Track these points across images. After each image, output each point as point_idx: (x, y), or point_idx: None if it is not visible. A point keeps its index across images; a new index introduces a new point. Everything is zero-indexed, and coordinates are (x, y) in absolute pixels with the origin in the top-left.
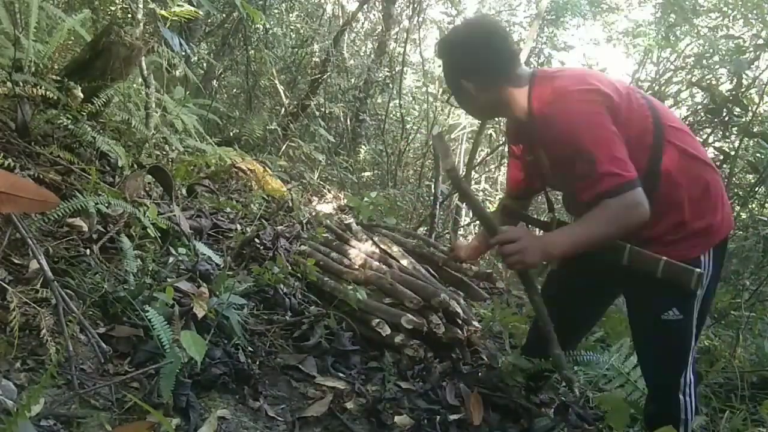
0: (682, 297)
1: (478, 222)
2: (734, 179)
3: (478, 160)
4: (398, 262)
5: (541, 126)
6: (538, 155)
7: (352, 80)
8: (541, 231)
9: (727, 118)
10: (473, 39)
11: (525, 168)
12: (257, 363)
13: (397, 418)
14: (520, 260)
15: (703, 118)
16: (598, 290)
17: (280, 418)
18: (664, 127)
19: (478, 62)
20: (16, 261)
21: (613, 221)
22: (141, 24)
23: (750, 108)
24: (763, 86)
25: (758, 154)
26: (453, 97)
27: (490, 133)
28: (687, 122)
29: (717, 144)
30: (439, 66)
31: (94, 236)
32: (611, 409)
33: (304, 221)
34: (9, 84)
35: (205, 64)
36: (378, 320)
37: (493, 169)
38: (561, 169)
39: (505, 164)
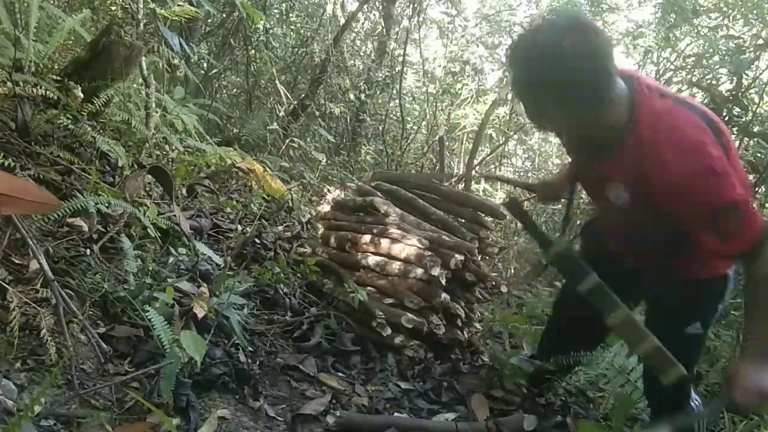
0: (706, 312)
1: None
2: None
3: (478, 160)
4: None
5: (652, 156)
6: (605, 173)
7: (353, 80)
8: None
9: (727, 118)
10: (585, 54)
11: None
12: (257, 363)
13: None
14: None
15: None
16: (620, 295)
17: (280, 418)
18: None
19: (594, 85)
20: (16, 261)
21: None
22: (141, 24)
23: (750, 108)
24: (763, 86)
25: (758, 154)
26: (543, 122)
27: (490, 133)
28: None
29: None
30: (440, 66)
31: (94, 236)
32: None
33: (305, 221)
34: (9, 84)
35: (205, 64)
36: (378, 321)
37: (493, 169)
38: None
39: (505, 164)
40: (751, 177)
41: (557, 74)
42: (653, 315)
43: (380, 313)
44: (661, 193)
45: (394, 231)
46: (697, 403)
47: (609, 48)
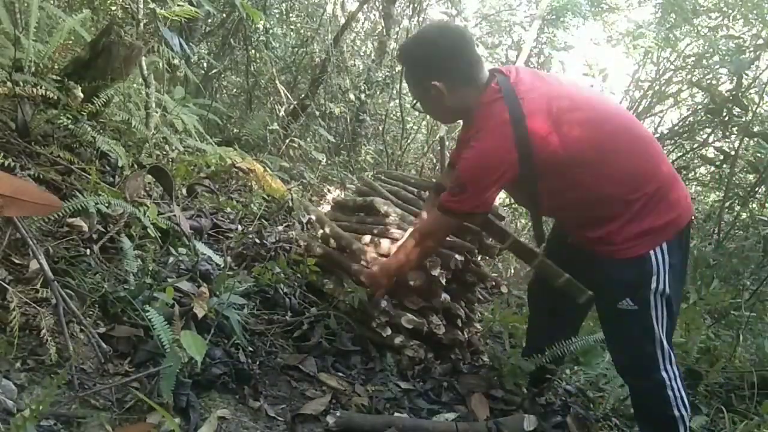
0: (633, 288)
1: None
2: (734, 179)
3: None
4: None
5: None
6: None
7: (353, 80)
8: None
9: (727, 118)
10: (446, 40)
11: None
12: (257, 363)
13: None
14: None
15: (703, 118)
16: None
17: (280, 418)
18: None
19: (452, 62)
20: (16, 261)
21: None
22: (141, 24)
23: (750, 108)
24: (763, 86)
25: (758, 154)
26: (419, 99)
27: None
28: (687, 122)
29: (717, 144)
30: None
31: (94, 236)
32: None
33: (305, 221)
34: (9, 84)
35: (205, 64)
36: (378, 322)
37: None
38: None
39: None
40: (751, 177)
41: (425, 53)
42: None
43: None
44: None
45: (395, 231)
46: (684, 402)
47: (463, 38)
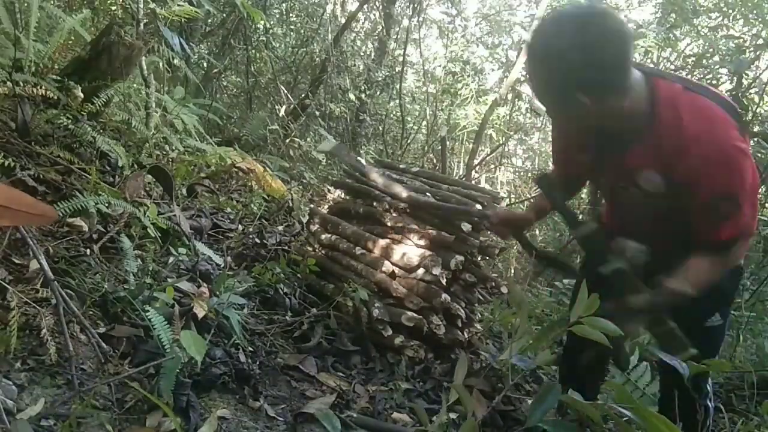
0: (723, 303)
1: None
2: None
3: (478, 160)
4: None
5: (673, 135)
6: (629, 163)
7: (353, 80)
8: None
9: None
10: (597, 41)
11: (573, 167)
12: (257, 363)
13: (396, 416)
14: None
15: None
16: None
17: (280, 418)
18: None
19: (602, 71)
20: (16, 261)
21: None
22: (141, 24)
23: (750, 108)
24: (763, 86)
25: (758, 154)
26: (552, 110)
27: (490, 133)
28: None
29: None
30: (441, 66)
31: (95, 236)
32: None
33: (305, 221)
34: (9, 84)
35: (205, 64)
36: (377, 321)
37: (493, 169)
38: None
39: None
40: None
41: (582, 60)
42: (675, 310)
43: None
44: (683, 167)
45: (395, 235)
46: (711, 402)
47: (629, 34)
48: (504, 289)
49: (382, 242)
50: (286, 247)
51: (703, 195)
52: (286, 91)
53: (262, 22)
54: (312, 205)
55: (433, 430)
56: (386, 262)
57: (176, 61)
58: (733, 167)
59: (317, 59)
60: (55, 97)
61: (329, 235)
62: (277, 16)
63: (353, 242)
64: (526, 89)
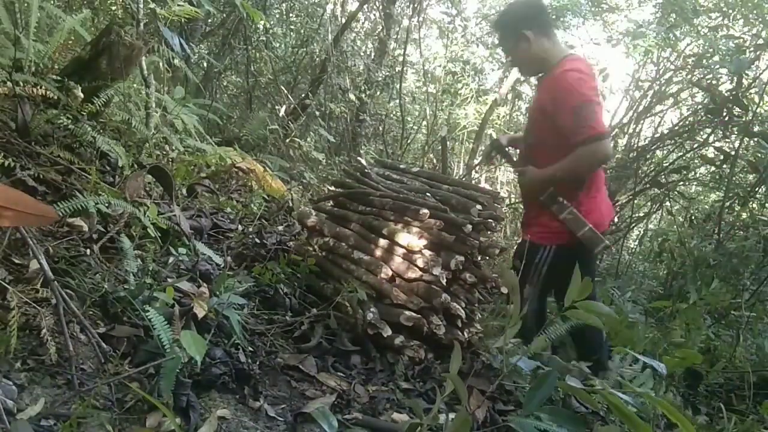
0: (527, 270)
1: None
2: (734, 179)
3: (478, 161)
4: None
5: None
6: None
7: (353, 80)
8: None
9: (727, 118)
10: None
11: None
12: (257, 363)
13: (396, 416)
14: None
15: (703, 118)
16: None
17: (280, 418)
18: None
19: (537, 13)
20: (16, 261)
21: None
22: (141, 24)
23: (750, 108)
24: (763, 86)
25: (758, 154)
26: (509, 51)
27: (490, 133)
28: (687, 122)
29: (717, 144)
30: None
31: (95, 236)
32: None
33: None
34: (9, 84)
35: (205, 64)
36: (372, 322)
37: (493, 169)
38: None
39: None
40: (751, 177)
41: (505, 15)
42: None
43: (376, 315)
44: (546, 97)
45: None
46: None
47: (538, 8)
48: (504, 289)
49: (383, 242)
50: (286, 247)
51: (568, 104)
52: (286, 91)
53: (262, 22)
54: (303, 207)
55: (427, 423)
56: (385, 266)
57: (176, 61)
58: (586, 81)
59: (317, 59)
60: (55, 97)
61: (327, 239)
62: (277, 16)
63: (352, 246)
64: (526, 89)
